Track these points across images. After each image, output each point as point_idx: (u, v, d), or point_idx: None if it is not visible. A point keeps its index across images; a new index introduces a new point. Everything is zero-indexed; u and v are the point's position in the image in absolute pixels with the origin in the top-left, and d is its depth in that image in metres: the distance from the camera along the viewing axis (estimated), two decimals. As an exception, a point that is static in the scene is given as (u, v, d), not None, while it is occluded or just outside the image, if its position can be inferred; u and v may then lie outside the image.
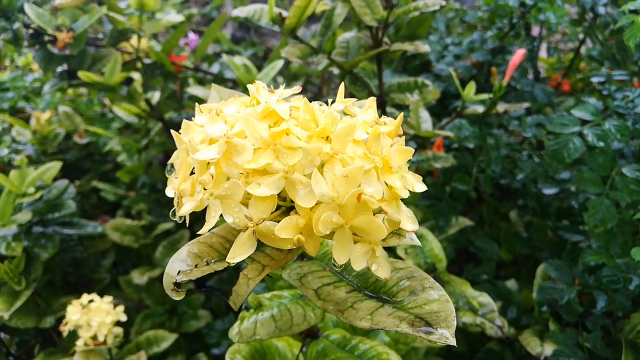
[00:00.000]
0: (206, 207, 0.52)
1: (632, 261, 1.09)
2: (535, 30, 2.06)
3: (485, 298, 1.09)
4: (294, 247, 0.50)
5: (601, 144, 1.15)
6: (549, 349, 1.13)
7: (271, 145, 0.51)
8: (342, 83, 0.61)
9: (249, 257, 0.52)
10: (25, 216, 1.35)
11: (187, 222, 0.55)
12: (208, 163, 0.53)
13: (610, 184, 1.17)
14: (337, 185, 0.50)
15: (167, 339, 1.46)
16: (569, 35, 2.23)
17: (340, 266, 0.51)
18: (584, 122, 1.21)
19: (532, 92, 1.58)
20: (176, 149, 0.60)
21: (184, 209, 0.52)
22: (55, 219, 1.48)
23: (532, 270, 1.46)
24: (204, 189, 0.52)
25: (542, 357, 1.12)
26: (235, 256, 0.50)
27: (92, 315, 1.23)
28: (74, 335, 1.27)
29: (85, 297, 1.27)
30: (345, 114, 0.61)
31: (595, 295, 1.13)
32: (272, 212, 0.51)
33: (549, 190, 1.42)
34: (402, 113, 0.58)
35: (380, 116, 0.60)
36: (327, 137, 0.53)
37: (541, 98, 1.56)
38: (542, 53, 2.26)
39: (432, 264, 1.16)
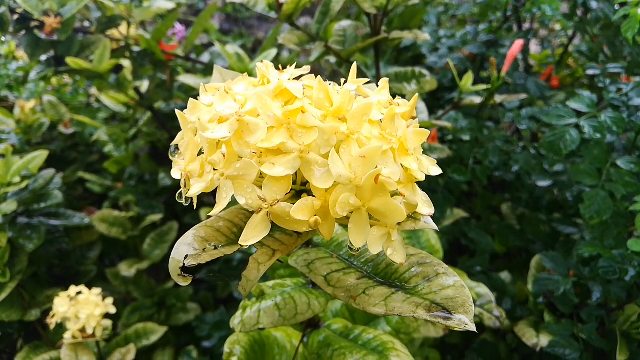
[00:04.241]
0: (214, 190, 0.50)
1: (627, 252, 1.10)
2: (524, 26, 2.07)
3: (482, 289, 1.09)
4: (310, 229, 0.48)
5: (598, 135, 1.15)
6: (544, 339, 1.13)
7: (284, 124, 0.49)
8: (355, 62, 0.59)
9: (258, 242, 0.50)
10: (10, 206, 1.31)
11: (195, 204, 0.53)
12: (218, 142, 0.51)
13: (606, 175, 1.17)
14: (354, 166, 0.48)
15: (157, 332, 1.43)
16: (556, 32, 2.24)
17: (357, 250, 0.49)
18: (579, 114, 1.22)
19: (524, 85, 1.58)
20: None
21: (193, 190, 0.50)
22: (41, 210, 1.44)
23: (524, 263, 1.46)
24: (214, 169, 0.50)
25: (538, 348, 1.12)
26: (248, 239, 0.48)
27: (81, 307, 1.20)
28: (59, 328, 1.24)
29: (73, 289, 1.23)
30: (358, 95, 0.59)
31: (590, 287, 1.13)
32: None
33: (543, 183, 1.43)
34: (416, 94, 0.57)
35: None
36: (342, 117, 0.51)
37: (534, 91, 1.56)
38: (530, 48, 2.27)
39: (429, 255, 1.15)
